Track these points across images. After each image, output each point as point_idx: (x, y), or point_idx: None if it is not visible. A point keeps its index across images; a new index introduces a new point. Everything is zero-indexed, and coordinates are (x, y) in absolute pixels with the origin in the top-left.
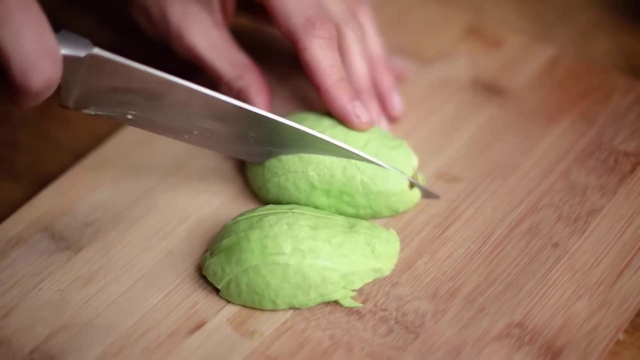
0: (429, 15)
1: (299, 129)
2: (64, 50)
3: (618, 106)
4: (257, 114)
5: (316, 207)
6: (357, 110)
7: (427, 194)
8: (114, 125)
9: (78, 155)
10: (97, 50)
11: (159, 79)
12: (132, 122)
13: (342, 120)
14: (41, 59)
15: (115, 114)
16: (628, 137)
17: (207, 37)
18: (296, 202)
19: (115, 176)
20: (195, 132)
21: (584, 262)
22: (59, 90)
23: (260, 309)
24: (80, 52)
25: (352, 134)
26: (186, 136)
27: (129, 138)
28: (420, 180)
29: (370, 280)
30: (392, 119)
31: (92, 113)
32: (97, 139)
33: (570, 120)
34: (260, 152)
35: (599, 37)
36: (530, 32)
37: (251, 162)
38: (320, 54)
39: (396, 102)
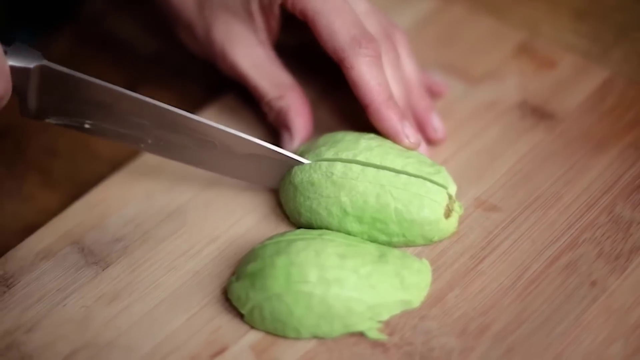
0: (481, 32)
1: (242, 137)
2: (13, 62)
3: None
4: (206, 125)
5: (348, 233)
6: (407, 130)
7: None
8: None
9: (115, 165)
10: (45, 62)
11: (106, 89)
12: (91, 132)
13: (392, 138)
14: None
15: (74, 123)
16: None
17: (251, 56)
18: (328, 227)
19: (149, 190)
20: (150, 141)
21: (622, 303)
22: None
23: (284, 337)
24: (29, 64)
25: (389, 158)
26: (142, 145)
27: None
28: (458, 208)
29: (398, 312)
30: (433, 142)
31: (53, 122)
32: (137, 150)
33: (619, 150)
34: (214, 159)
35: None
36: (586, 51)
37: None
38: (367, 73)
39: (436, 124)
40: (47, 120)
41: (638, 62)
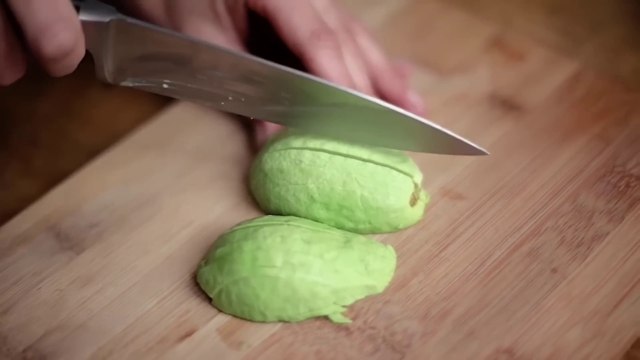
0: (454, 25)
1: (328, 85)
2: (86, 17)
3: (636, 128)
4: (284, 71)
5: (315, 219)
6: None
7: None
8: (132, 125)
9: (95, 154)
10: (121, 16)
11: (183, 41)
12: (170, 92)
13: None
14: (53, 23)
15: (152, 83)
16: None
17: None
18: (296, 214)
19: (125, 178)
20: (230, 98)
21: (582, 289)
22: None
23: (250, 320)
24: (104, 18)
25: (356, 147)
26: (222, 103)
27: (143, 139)
28: (423, 197)
29: (362, 296)
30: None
31: (131, 85)
32: (115, 139)
33: (585, 140)
34: (296, 113)
35: (629, 53)
36: (558, 45)
37: (288, 125)
38: (328, 64)
39: (414, 100)
40: (124, 84)
41: (609, 56)
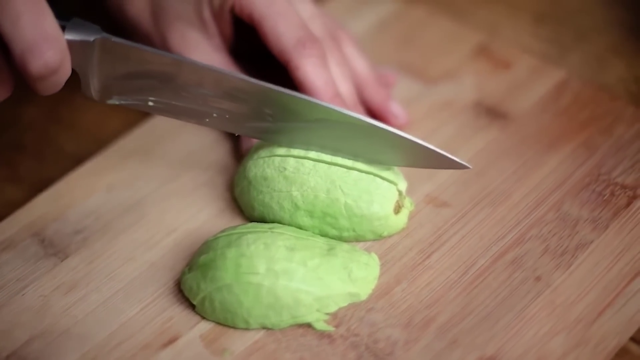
0: (440, 34)
1: (310, 101)
2: (72, 36)
3: (622, 136)
4: (266, 88)
5: (299, 227)
6: None
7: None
8: (118, 131)
9: (80, 160)
10: (105, 35)
11: (167, 59)
12: (155, 110)
13: None
14: (40, 42)
15: (137, 101)
16: (628, 169)
17: (207, 62)
18: (280, 221)
19: (110, 184)
20: (215, 115)
21: (566, 297)
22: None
23: (234, 327)
24: (89, 37)
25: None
26: (207, 120)
27: (129, 146)
28: (408, 204)
29: (345, 304)
30: (398, 128)
31: (117, 103)
32: (101, 145)
33: (570, 149)
34: (280, 129)
35: (616, 62)
36: (544, 53)
37: (269, 141)
38: (312, 72)
39: (396, 111)
40: (110, 102)
41: (596, 64)
